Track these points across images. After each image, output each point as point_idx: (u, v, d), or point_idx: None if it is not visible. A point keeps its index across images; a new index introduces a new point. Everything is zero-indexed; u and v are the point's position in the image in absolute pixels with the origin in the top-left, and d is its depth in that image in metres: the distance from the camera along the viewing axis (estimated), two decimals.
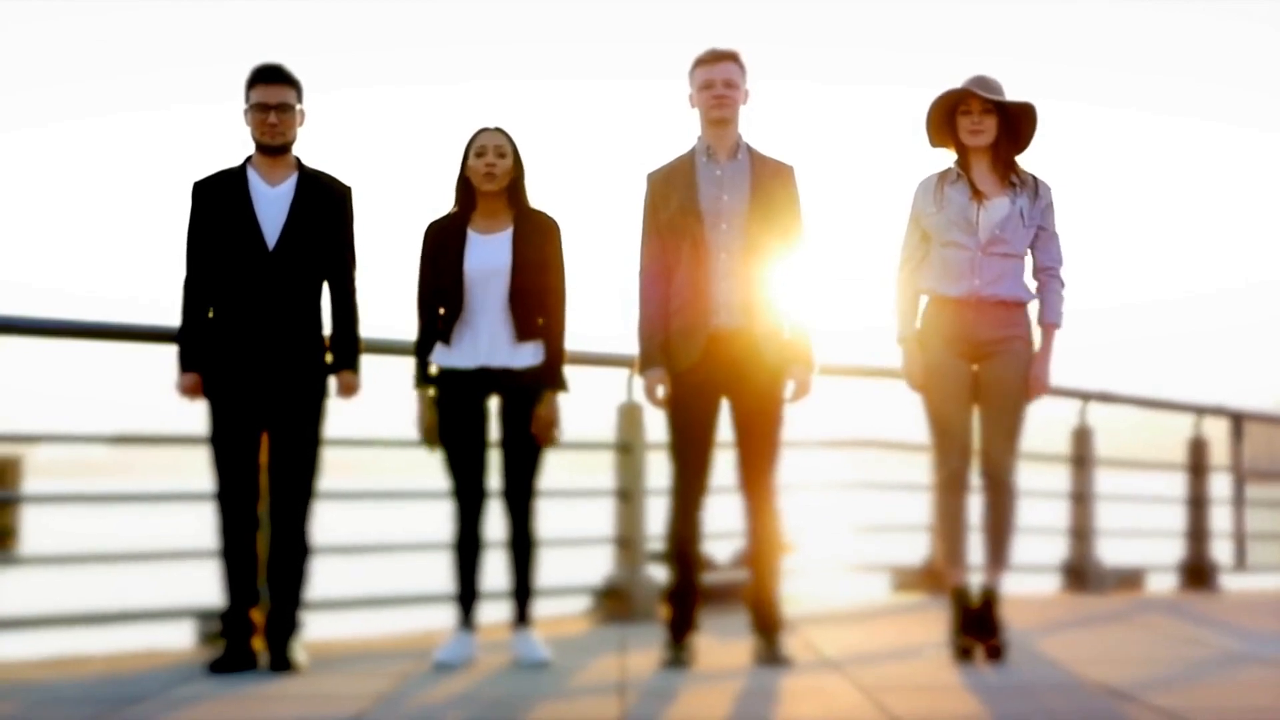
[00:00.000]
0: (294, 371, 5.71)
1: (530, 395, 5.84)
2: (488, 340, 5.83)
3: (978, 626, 5.91)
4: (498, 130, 5.86)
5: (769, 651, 5.84)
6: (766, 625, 5.89)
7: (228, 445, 5.71)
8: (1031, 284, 5.94)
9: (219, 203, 5.71)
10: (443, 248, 5.85)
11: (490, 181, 5.82)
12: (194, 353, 5.72)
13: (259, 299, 5.67)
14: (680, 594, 5.88)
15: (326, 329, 5.81)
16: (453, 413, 5.85)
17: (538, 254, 5.84)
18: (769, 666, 5.77)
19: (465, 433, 5.86)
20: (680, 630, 5.87)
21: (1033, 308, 5.96)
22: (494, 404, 5.91)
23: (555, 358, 5.88)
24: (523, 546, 5.93)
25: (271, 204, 5.71)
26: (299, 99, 5.73)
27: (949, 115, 5.90)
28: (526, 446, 5.87)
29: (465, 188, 5.88)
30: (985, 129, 5.83)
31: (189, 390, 5.72)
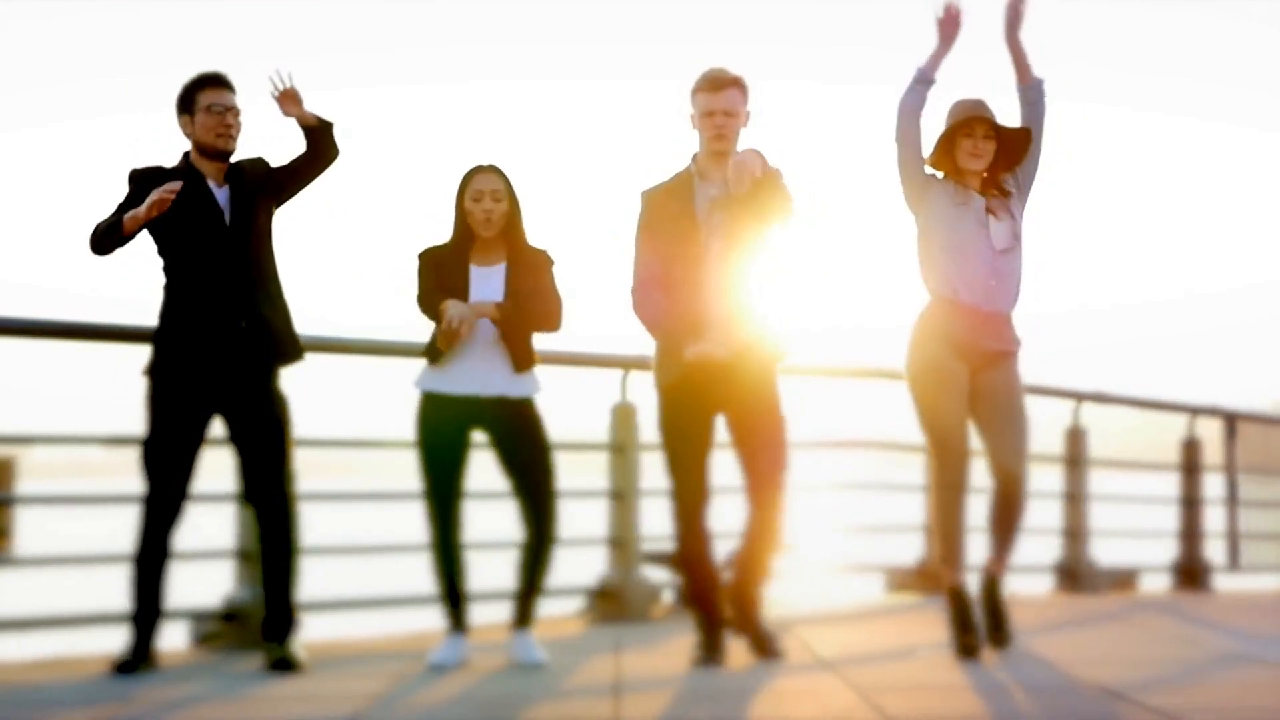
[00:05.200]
0: (246, 360, 5.70)
1: (524, 420, 5.87)
2: (485, 369, 5.83)
3: (984, 617, 6.03)
4: (492, 171, 5.85)
5: (763, 647, 5.92)
6: (748, 622, 5.95)
7: (167, 444, 5.67)
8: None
9: (180, 198, 5.61)
10: (446, 278, 5.83)
11: (488, 228, 5.84)
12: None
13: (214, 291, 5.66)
14: (700, 598, 5.92)
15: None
16: (436, 435, 5.88)
17: (532, 286, 5.85)
18: (767, 660, 5.86)
19: (446, 456, 5.89)
20: (710, 629, 5.91)
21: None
22: (480, 434, 5.93)
23: (528, 313, 5.80)
24: (540, 551, 5.93)
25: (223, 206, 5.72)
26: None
27: (946, 139, 5.94)
28: (534, 460, 5.89)
29: (463, 225, 5.88)
30: (985, 153, 5.90)
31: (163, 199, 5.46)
